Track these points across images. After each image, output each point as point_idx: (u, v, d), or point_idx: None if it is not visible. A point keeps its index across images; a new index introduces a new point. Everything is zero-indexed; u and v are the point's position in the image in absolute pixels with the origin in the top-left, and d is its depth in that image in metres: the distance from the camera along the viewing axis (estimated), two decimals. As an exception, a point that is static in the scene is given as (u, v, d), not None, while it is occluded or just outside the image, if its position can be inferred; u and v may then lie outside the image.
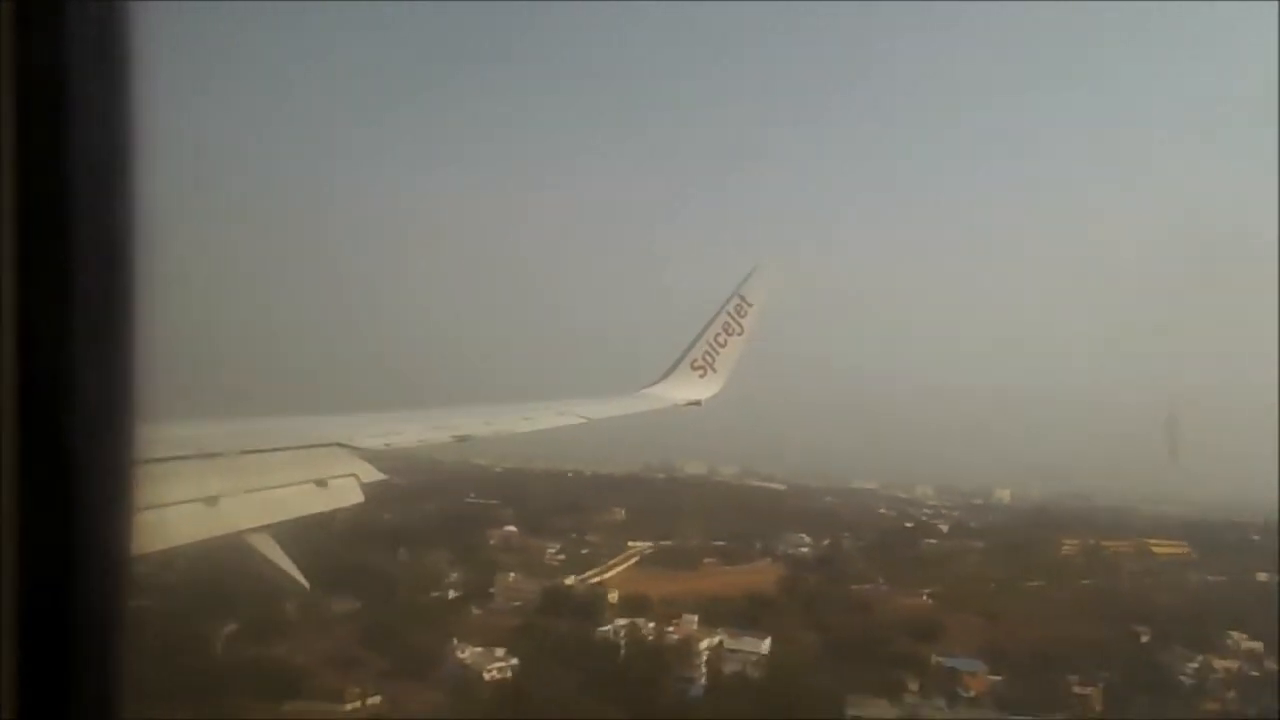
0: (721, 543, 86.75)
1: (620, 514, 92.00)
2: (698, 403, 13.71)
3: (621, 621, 63.91)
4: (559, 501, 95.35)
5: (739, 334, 14.37)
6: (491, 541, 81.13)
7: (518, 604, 67.38)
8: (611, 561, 79.75)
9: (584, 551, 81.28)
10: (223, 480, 5.79)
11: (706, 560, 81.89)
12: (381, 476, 7.33)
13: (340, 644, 56.25)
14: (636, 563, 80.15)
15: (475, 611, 66.09)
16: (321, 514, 6.76)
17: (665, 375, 13.93)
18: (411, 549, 73.20)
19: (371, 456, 7.41)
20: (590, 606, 66.90)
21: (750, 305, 14.52)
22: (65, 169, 1.56)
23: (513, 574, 72.00)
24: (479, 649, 56.37)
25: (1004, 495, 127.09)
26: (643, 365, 15.14)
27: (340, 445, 7.30)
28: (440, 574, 71.62)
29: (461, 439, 8.57)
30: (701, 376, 14.00)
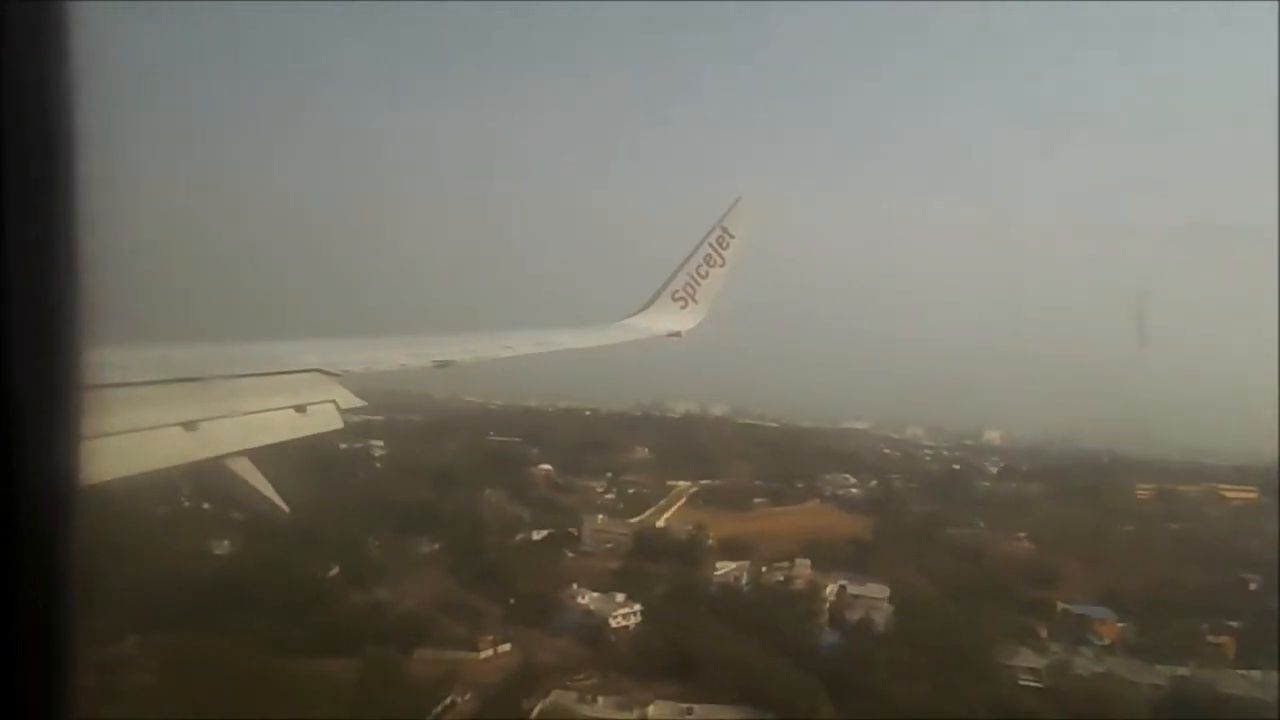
0: (760, 482, 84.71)
1: (644, 452, 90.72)
2: (678, 333, 13.77)
3: (729, 565, 61.81)
4: (578, 439, 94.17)
5: (720, 266, 14.36)
6: (535, 480, 79.83)
7: (609, 546, 66.10)
8: (663, 502, 79.01)
9: (630, 491, 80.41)
10: (202, 404, 5.78)
11: (756, 500, 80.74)
12: (361, 403, 7.34)
13: (442, 588, 54.99)
14: (685, 503, 79.17)
15: (569, 555, 64.55)
16: (309, 438, 6.79)
17: (646, 305, 13.95)
18: (460, 487, 71.78)
19: (351, 382, 7.40)
20: (687, 548, 64.55)
21: (732, 237, 14.47)
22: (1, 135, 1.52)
23: (600, 516, 70.72)
24: (597, 594, 54.43)
25: (993, 437, 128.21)
26: (625, 295, 15.16)
27: (320, 371, 7.28)
28: (509, 514, 70.30)
29: (442, 364, 8.58)
30: (683, 308, 14.03)
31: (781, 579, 60.28)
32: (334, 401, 7.06)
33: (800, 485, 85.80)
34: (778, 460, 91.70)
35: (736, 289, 15.39)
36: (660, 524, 72.08)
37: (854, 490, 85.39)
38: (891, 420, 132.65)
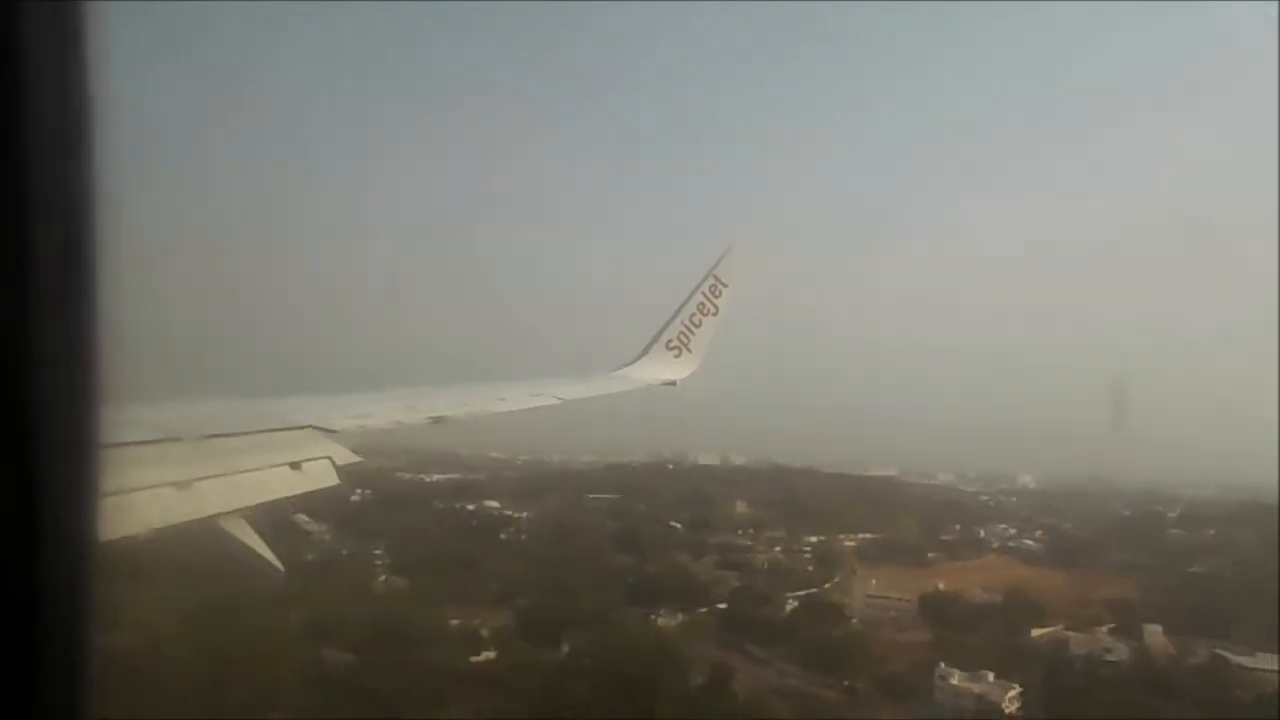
0: (911, 536, 78.41)
1: (744, 506, 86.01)
2: (673, 383, 13.74)
3: (1046, 629, 55.49)
4: (672, 495, 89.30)
5: (714, 314, 14.39)
6: (684, 539, 75.09)
7: (892, 614, 60.51)
8: (845, 560, 73.53)
9: (805, 553, 74.92)
10: (194, 463, 5.71)
11: (931, 555, 75.57)
12: (356, 459, 7.27)
13: (758, 673, 50.03)
14: (858, 560, 73.77)
15: (854, 622, 58.81)
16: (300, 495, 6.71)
17: (640, 355, 13.94)
18: (633, 551, 68.26)
19: (345, 439, 7.35)
20: (989, 613, 58.76)
21: (725, 285, 14.53)
22: (23, 140, 1.51)
23: (852, 580, 65.49)
24: (963, 674, 48.56)
25: (1028, 481, 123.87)
26: (618, 346, 15.15)
27: (314, 428, 7.23)
28: (719, 578, 65.95)
29: (437, 420, 8.53)
30: (676, 356, 14.02)
31: (1127, 646, 53.72)
32: (329, 458, 7.00)
33: (947, 539, 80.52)
34: (877, 510, 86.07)
35: (728, 338, 15.38)
36: (942, 586, 66.40)
37: (1028, 541, 79.69)
38: (915, 467, 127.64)
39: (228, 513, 5.65)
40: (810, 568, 71.62)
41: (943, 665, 49.45)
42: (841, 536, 78.67)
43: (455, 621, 52.03)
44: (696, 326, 14.21)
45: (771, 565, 71.07)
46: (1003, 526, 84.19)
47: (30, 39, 1.49)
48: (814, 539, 77.31)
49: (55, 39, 1.56)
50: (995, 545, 79.29)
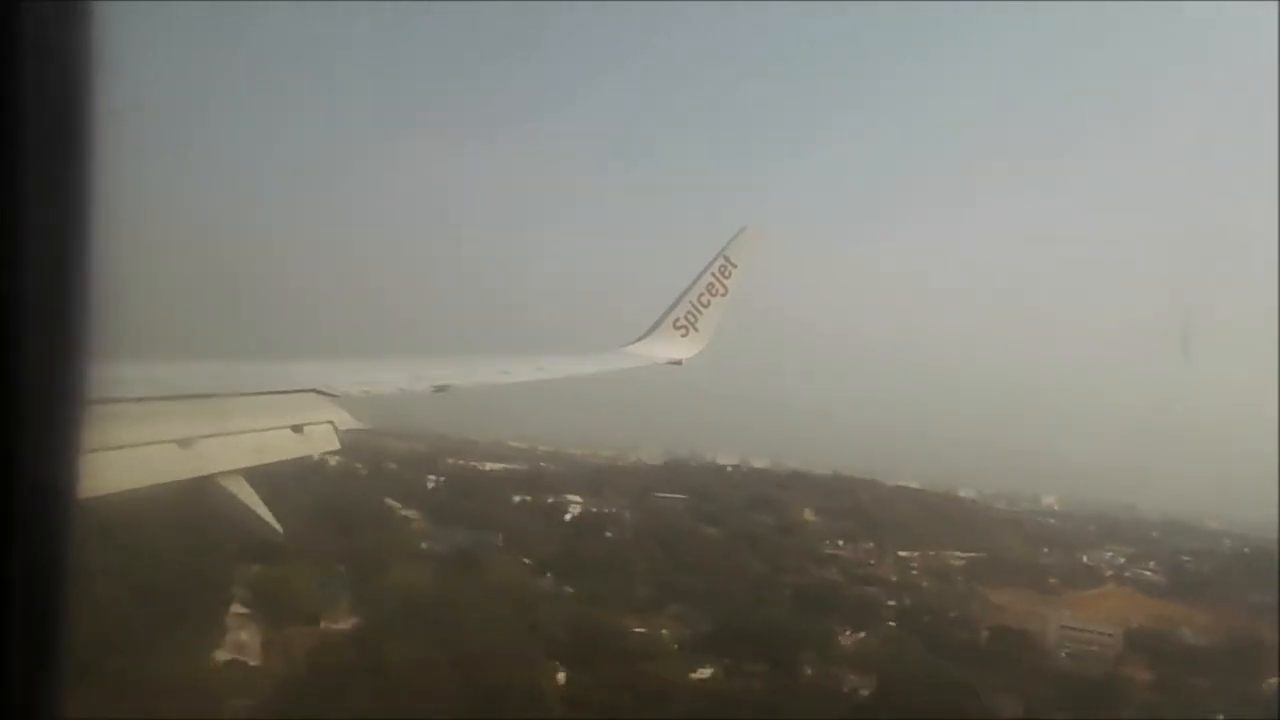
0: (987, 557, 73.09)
1: (811, 514, 79.99)
2: (679, 362, 13.72)
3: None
4: (739, 497, 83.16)
5: (723, 295, 14.33)
6: (813, 551, 69.73)
7: (1093, 649, 54.53)
8: (959, 579, 69.18)
9: (913, 569, 70.47)
10: (198, 422, 5.76)
11: (1051, 580, 70.92)
12: (359, 425, 7.30)
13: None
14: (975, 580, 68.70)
15: (1063, 656, 53.73)
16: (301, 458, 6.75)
17: (647, 333, 13.92)
18: (763, 559, 63.80)
19: (350, 404, 7.37)
20: (1184, 653, 52.55)
21: (735, 266, 14.46)
22: (18, 101, 1.51)
23: (1065, 611, 59.45)
24: None
25: (1051, 501, 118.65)
26: (626, 324, 15.09)
27: (317, 391, 7.26)
28: (863, 596, 60.97)
29: (441, 389, 8.56)
30: (684, 336, 13.96)
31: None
32: (331, 423, 7.03)
33: (1048, 562, 75.46)
34: (955, 526, 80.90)
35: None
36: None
37: (1146, 573, 74.20)
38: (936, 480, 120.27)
39: (228, 472, 5.71)
40: (926, 583, 67.59)
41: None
42: (943, 554, 74.12)
43: (639, 630, 48.27)
44: (705, 307, 14.15)
45: (902, 581, 66.65)
46: (1109, 554, 78.91)
47: (31, 39, 1.48)
48: (907, 554, 72.89)
49: (57, 38, 1.55)
50: (1109, 574, 74.10)
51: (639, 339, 13.81)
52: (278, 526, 6.01)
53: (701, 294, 14.18)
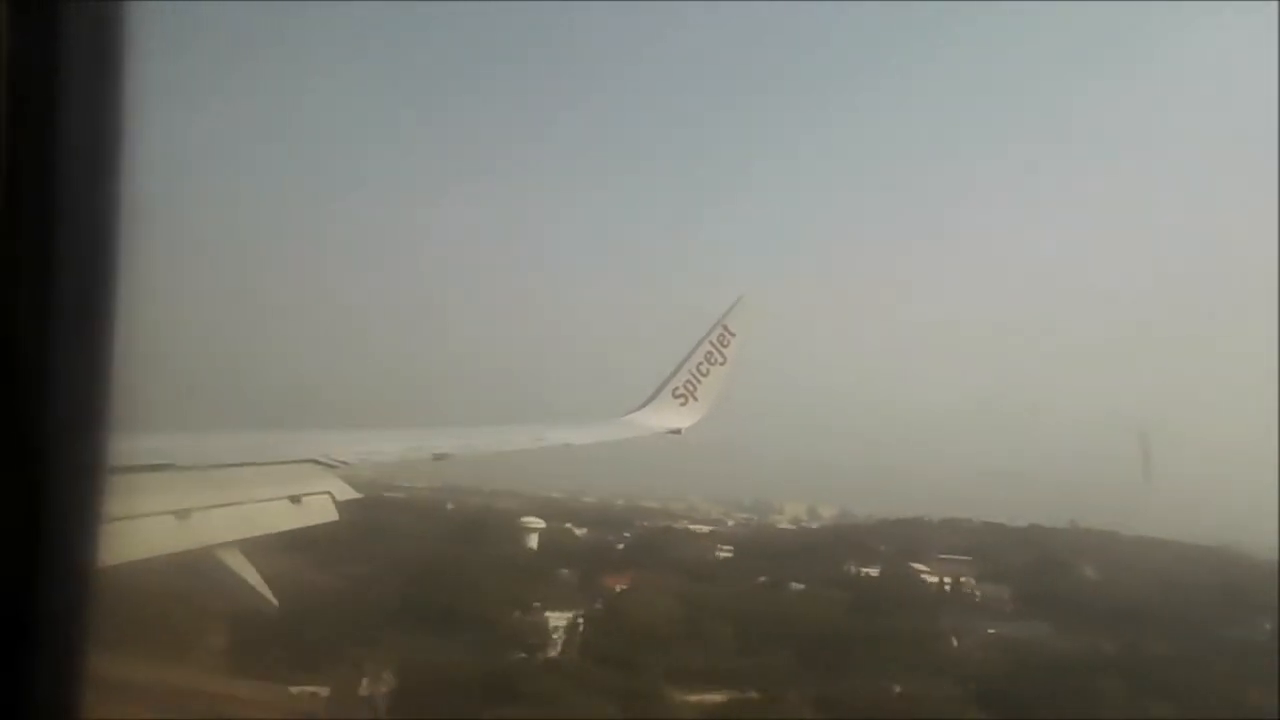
0: None
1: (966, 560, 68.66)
2: (678, 431, 13.70)
3: None
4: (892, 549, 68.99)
5: (721, 364, 14.39)
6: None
7: None
8: None
9: None
10: (195, 493, 5.69)
11: None
12: (356, 495, 7.23)
13: None
14: None
15: None
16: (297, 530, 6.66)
17: (647, 402, 13.92)
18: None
19: (350, 474, 7.32)
20: None
21: (733, 335, 14.56)
22: (54, 165, 1.53)
23: None
24: None
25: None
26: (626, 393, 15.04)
27: (315, 462, 7.21)
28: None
29: (440, 457, 8.51)
30: (683, 405, 13.98)
31: None
32: (329, 493, 6.96)
33: None
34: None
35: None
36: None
37: None
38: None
39: (224, 544, 5.62)
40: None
41: None
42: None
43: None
44: (704, 375, 14.20)
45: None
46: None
47: (68, 65, 1.51)
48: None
49: (94, 65, 1.58)
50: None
51: (638, 408, 13.81)
52: (273, 600, 5.90)
53: (700, 363, 14.23)
